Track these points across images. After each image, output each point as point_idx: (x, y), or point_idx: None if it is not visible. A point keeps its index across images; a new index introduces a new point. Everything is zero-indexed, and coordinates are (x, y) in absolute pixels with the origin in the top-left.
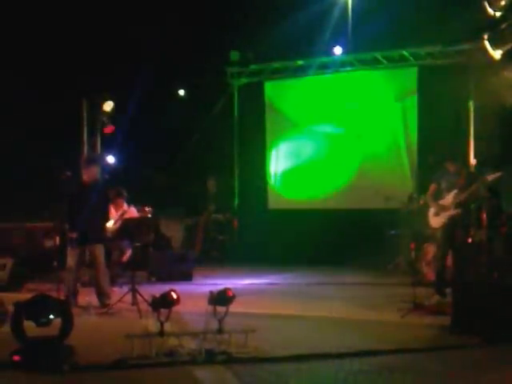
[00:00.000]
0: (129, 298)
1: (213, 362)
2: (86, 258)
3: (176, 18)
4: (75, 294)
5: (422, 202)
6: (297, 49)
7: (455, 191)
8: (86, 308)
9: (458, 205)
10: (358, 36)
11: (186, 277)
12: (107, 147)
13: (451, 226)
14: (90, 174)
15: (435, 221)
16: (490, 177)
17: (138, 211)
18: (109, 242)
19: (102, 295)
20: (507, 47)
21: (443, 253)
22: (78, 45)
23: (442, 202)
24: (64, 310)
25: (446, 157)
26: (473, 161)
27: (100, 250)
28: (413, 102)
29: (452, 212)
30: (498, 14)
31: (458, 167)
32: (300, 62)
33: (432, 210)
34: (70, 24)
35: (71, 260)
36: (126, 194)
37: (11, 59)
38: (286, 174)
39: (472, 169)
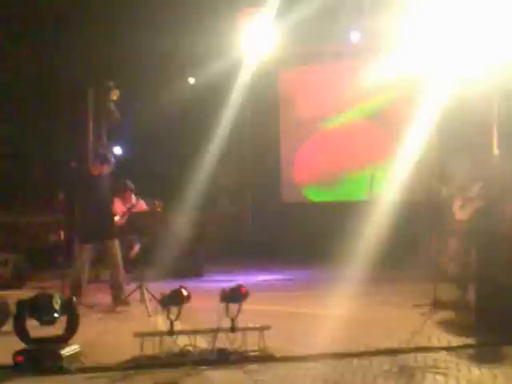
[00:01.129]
0: (137, 295)
1: (225, 361)
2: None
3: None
4: (81, 291)
5: (444, 193)
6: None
7: (480, 183)
8: (92, 306)
9: (483, 197)
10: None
11: (197, 273)
12: (114, 137)
13: (477, 218)
14: (101, 170)
15: (460, 214)
16: None
17: (147, 205)
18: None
19: (119, 293)
20: None
21: (467, 247)
22: (83, 31)
23: (467, 194)
24: (69, 307)
25: (470, 148)
26: (496, 151)
27: (116, 246)
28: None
29: (477, 204)
30: None
31: (483, 158)
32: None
33: (457, 203)
34: (77, 10)
35: (81, 256)
36: (134, 187)
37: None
38: (302, 166)
39: (496, 159)
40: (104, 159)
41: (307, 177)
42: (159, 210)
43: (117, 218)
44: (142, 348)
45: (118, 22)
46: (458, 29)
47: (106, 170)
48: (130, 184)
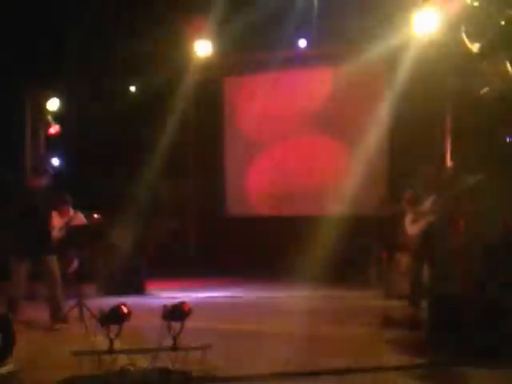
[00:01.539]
0: (76, 312)
1: (167, 381)
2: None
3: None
4: (18, 307)
5: (394, 207)
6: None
7: (433, 196)
8: (29, 323)
9: (436, 211)
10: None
11: (138, 289)
12: (52, 149)
13: (429, 233)
14: (39, 182)
15: (412, 228)
16: (471, 179)
17: (86, 218)
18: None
19: (57, 310)
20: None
21: (419, 263)
22: (20, 34)
23: (419, 208)
24: (4, 325)
25: (421, 159)
26: (450, 163)
27: (55, 262)
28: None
29: (430, 219)
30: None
31: (435, 170)
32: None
33: (409, 217)
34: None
35: (17, 271)
36: (71, 200)
37: None
38: (247, 177)
39: (449, 172)
40: (42, 171)
41: (254, 189)
42: (98, 222)
43: (54, 232)
44: (80, 367)
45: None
46: None
47: (44, 182)
48: (67, 197)
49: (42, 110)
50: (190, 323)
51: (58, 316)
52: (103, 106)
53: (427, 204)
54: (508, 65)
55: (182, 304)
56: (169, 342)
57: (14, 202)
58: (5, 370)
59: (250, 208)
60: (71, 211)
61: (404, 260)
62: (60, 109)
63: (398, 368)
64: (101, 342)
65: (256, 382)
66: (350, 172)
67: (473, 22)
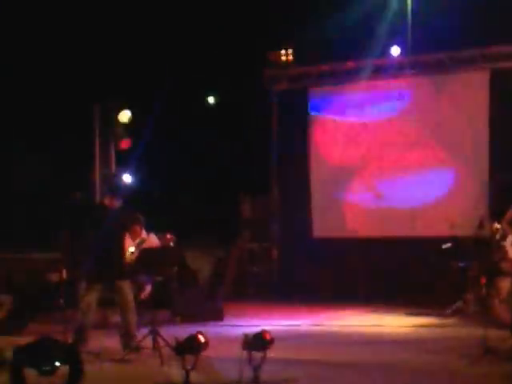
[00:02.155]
0: (149, 341)
1: None
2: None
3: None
4: (86, 336)
5: (495, 228)
6: (347, 50)
7: None
8: (98, 354)
9: None
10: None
11: (216, 316)
12: (123, 164)
13: None
14: (113, 203)
15: None
16: None
17: (159, 239)
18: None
19: (130, 339)
20: None
21: None
22: (93, 45)
23: None
24: (72, 355)
25: None
26: None
27: (129, 287)
28: (483, 109)
29: None
30: None
31: None
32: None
33: (510, 239)
34: (85, 21)
35: (87, 297)
36: (144, 220)
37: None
38: (335, 196)
39: None
40: (116, 190)
41: (344, 207)
42: (172, 244)
43: (128, 255)
44: None
45: None
46: None
47: (118, 201)
48: (139, 217)
49: (113, 121)
50: (272, 353)
51: (130, 345)
52: (179, 119)
53: None
54: None
55: (263, 332)
56: (250, 375)
57: (85, 223)
58: None
59: (338, 228)
60: (143, 232)
61: (505, 286)
62: (132, 121)
63: None
64: (176, 373)
65: None
66: (450, 191)
67: None
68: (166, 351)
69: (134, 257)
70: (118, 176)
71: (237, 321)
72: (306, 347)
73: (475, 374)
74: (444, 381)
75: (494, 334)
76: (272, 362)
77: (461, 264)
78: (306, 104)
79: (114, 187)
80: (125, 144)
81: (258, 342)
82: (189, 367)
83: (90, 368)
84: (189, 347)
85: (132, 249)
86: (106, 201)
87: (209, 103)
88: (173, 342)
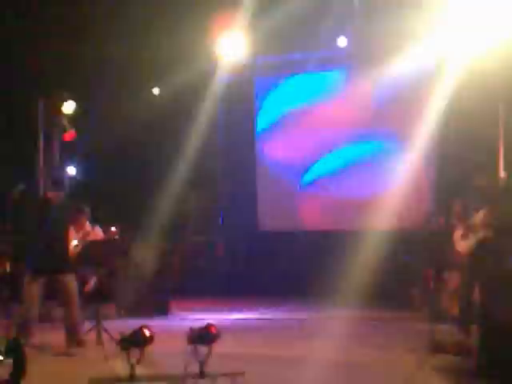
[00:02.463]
0: (94, 335)
1: None
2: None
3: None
4: (30, 330)
5: (442, 221)
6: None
7: (485, 210)
8: (43, 348)
9: (488, 226)
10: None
11: (161, 310)
12: (67, 156)
13: (480, 250)
14: (56, 195)
15: (462, 244)
16: None
17: (104, 232)
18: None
19: (74, 333)
20: None
21: (469, 283)
22: (34, 37)
23: (470, 222)
24: (15, 350)
25: (473, 170)
26: (503, 174)
27: (73, 280)
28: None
29: (482, 234)
30: None
31: (488, 181)
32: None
33: (458, 232)
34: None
35: (30, 290)
36: (89, 212)
37: None
38: (280, 188)
39: (503, 182)
40: (59, 184)
41: (289, 200)
42: (117, 238)
43: (72, 247)
44: None
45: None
46: None
47: (61, 194)
48: (84, 208)
49: (57, 113)
50: (217, 348)
51: (74, 339)
52: (124, 110)
53: (478, 218)
54: None
55: (209, 326)
56: (195, 369)
57: (28, 216)
58: None
59: (285, 221)
60: (88, 225)
61: (453, 279)
62: (76, 112)
63: None
64: (121, 367)
65: None
66: (395, 184)
67: None
68: (110, 345)
69: (78, 249)
70: (62, 168)
71: (182, 314)
72: (252, 341)
73: (422, 369)
74: (389, 376)
75: (442, 328)
76: (218, 356)
77: (406, 258)
78: (252, 93)
79: (58, 180)
80: (69, 136)
81: (204, 336)
82: (134, 361)
83: (34, 362)
84: (134, 341)
85: (76, 241)
86: (50, 193)
87: (153, 94)
88: (118, 336)
